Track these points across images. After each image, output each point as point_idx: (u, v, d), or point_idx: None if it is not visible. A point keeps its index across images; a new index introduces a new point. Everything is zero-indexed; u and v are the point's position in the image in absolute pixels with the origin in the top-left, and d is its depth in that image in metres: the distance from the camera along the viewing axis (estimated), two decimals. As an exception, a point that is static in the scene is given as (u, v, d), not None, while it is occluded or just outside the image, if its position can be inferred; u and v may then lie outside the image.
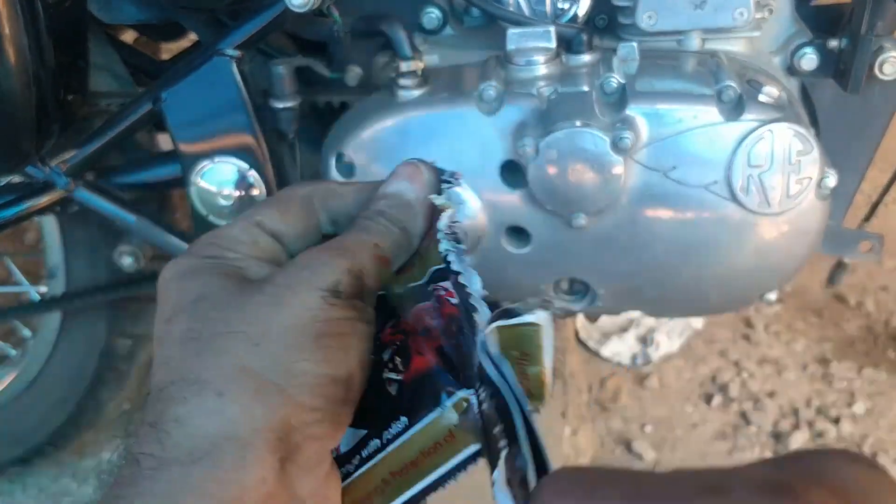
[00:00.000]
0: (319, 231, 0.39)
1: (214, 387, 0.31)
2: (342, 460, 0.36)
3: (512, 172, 0.86)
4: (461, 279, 0.35)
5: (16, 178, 1.05)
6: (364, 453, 0.36)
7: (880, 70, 0.82)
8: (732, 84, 0.80)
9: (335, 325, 0.33)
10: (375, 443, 0.35)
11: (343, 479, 0.36)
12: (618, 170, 0.82)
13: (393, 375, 0.36)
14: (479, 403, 0.33)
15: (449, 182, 0.39)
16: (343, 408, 0.34)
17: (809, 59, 0.88)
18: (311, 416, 0.32)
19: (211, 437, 0.30)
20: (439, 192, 0.39)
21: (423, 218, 0.39)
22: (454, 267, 0.35)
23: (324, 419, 0.33)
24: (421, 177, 0.39)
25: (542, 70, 0.86)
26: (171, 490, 0.29)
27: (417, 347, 0.36)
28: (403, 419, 0.35)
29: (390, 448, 0.35)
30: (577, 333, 1.64)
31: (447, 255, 0.36)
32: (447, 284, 0.36)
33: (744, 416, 1.51)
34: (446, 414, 0.33)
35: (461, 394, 0.33)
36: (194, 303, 0.34)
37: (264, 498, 0.30)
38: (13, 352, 1.43)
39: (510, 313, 0.32)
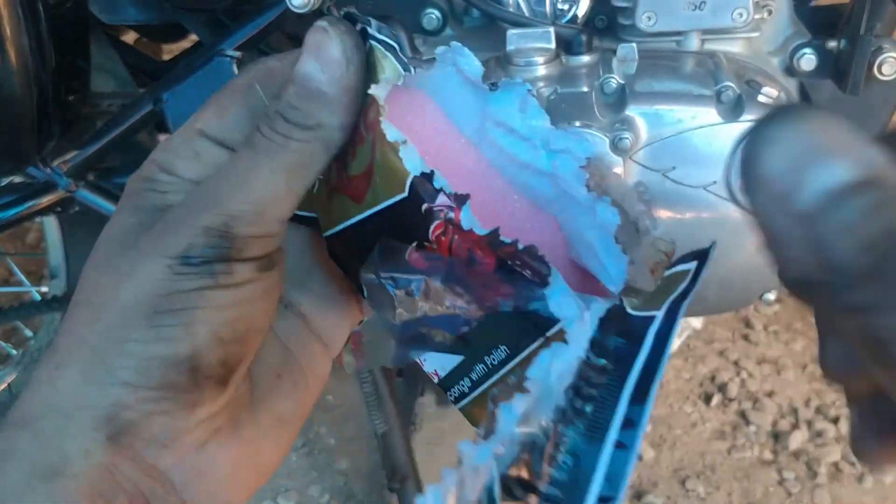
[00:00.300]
0: None
1: (57, 357, 0.31)
2: (447, 383, 0.36)
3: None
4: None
5: (17, 179, 1.05)
6: (473, 377, 0.35)
7: (879, 71, 0.83)
8: (731, 84, 0.80)
9: (176, 299, 0.30)
10: (481, 367, 0.35)
11: (457, 401, 0.36)
12: (617, 170, 0.82)
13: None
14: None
15: (374, 35, 0.32)
16: (191, 391, 0.30)
17: (808, 60, 0.88)
18: (146, 396, 0.30)
19: (43, 406, 0.30)
20: (367, 51, 0.32)
21: (344, 106, 0.31)
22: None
23: (165, 398, 0.30)
24: (332, 47, 0.31)
25: (541, 71, 0.86)
26: (2, 450, 0.30)
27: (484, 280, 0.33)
28: (503, 347, 0.34)
29: (500, 373, 0.34)
30: (576, 333, 1.64)
31: (400, 142, 0.31)
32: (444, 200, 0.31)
33: (743, 415, 1.52)
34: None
35: (559, 326, 0.32)
36: (93, 251, 0.33)
37: (97, 469, 0.29)
38: (14, 352, 1.44)
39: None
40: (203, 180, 0.32)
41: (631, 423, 0.25)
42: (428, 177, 0.31)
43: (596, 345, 0.28)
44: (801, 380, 1.56)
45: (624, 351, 0.27)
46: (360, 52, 0.31)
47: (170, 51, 1.50)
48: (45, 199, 1.00)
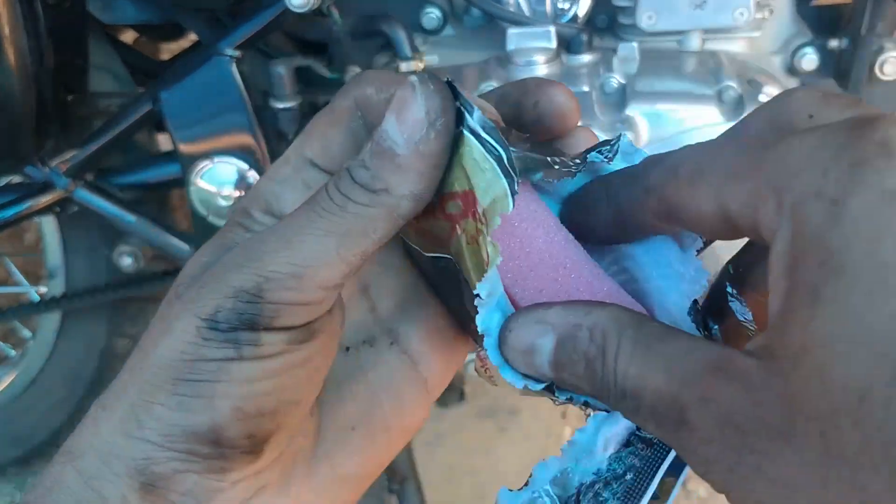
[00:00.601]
0: None
1: (106, 398, 0.30)
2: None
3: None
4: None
5: (15, 179, 1.05)
6: None
7: (881, 70, 0.83)
8: (733, 84, 0.80)
9: (199, 368, 0.28)
10: None
11: None
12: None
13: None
14: None
15: (475, 130, 0.27)
16: (221, 458, 0.28)
17: (810, 60, 0.88)
18: (172, 456, 0.28)
19: (86, 445, 0.29)
20: (459, 129, 0.27)
21: (419, 173, 0.28)
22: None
23: (191, 461, 0.28)
24: (415, 107, 0.27)
25: (542, 70, 0.85)
26: (49, 483, 0.29)
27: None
28: None
29: None
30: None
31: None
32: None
33: (744, 416, 1.51)
34: None
35: None
36: (176, 279, 0.31)
37: None
38: (13, 352, 1.43)
39: None
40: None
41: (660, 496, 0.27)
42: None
43: None
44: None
45: None
46: (447, 116, 0.28)
47: (169, 50, 1.50)
48: (44, 199, 1.00)
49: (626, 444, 0.28)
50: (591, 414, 0.30)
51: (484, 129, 0.27)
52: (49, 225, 1.22)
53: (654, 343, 0.26)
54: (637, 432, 0.28)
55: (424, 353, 0.34)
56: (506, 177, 0.26)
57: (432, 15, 0.94)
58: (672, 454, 0.28)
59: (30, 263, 1.57)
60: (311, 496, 0.32)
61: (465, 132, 0.27)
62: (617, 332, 0.26)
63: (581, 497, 0.28)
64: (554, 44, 0.85)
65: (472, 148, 0.27)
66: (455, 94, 0.27)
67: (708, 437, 0.23)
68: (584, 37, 0.86)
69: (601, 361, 0.26)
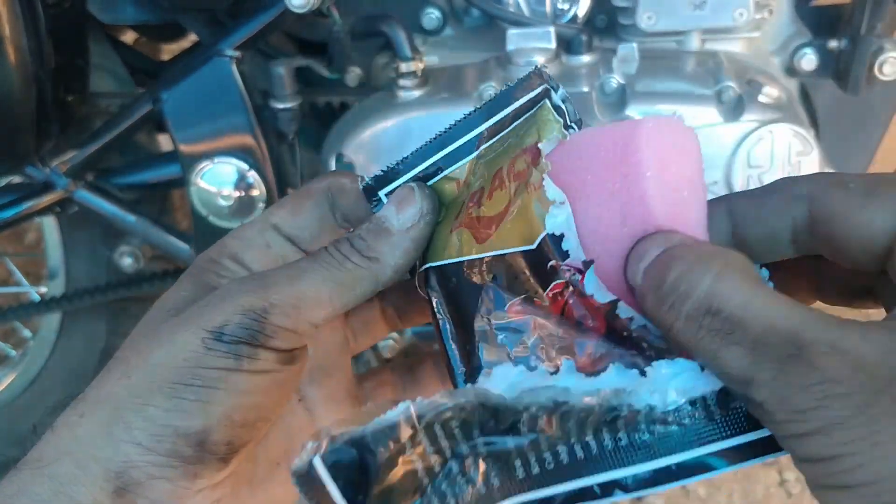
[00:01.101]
0: (335, 229, 0.39)
1: (83, 406, 0.33)
2: None
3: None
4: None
5: (15, 179, 1.05)
6: None
7: (880, 70, 0.83)
8: (732, 84, 0.80)
9: (200, 374, 0.32)
10: None
11: None
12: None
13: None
14: None
15: (555, 101, 0.35)
16: (199, 462, 0.32)
17: (809, 60, 0.88)
18: (153, 460, 0.32)
19: (59, 451, 0.32)
20: (539, 109, 0.35)
21: (404, 250, 0.36)
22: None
23: (169, 466, 0.32)
24: (413, 202, 0.36)
25: (541, 70, 0.86)
26: (16, 489, 0.31)
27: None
28: None
29: None
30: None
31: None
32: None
33: (743, 416, 1.51)
34: None
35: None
36: (145, 315, 0.36)
37: None
38: (13, 352, 1.43)
39: None
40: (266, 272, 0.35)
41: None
42: (557, 239, 0.32)
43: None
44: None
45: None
46: (434, 214, 0.37)
47: (169, 51, 1.50)
48: (44, 200, 1.00)
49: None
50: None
51: (563, 100, 0.35)
52: (49, 225, 1.23)
53: (762, 285, 0.27)
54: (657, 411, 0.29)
55: (321, 415, 0.41)
56: (567, 128, 0.34)
57: (432, 15, 0.94)
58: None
59: (30, 263, 1.58)
60: None
61: (547, 103, 0.35)
62: (724, 261, 0.28)
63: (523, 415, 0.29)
64: (554, 44, 0.85)
65: (549, 111, 0.35)
66: (546, 78, 0.36)
67: (835, 377, 0.24)
68: (584, 37, 0.86)
69: (699, 276, 0.27)
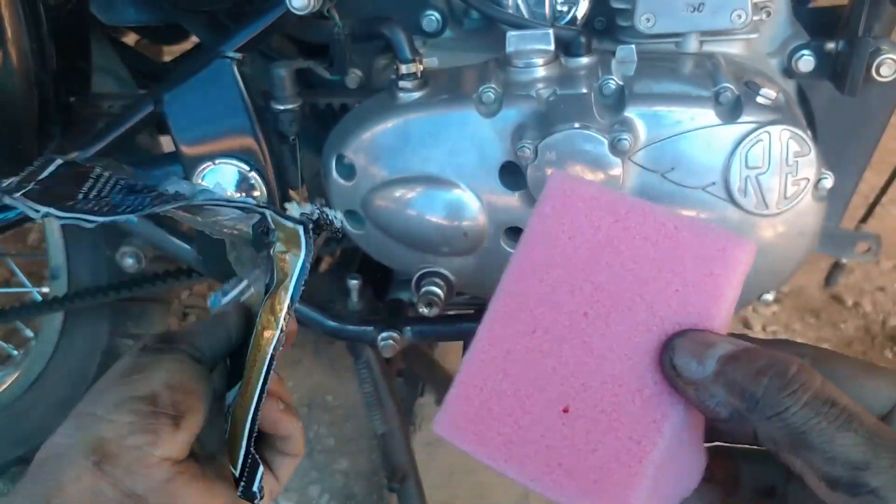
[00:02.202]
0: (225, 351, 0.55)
1: (53, 435, 0.45)
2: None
3: (511, 174, 0.86)
4: None
5: (18, 180, 1.05)
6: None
7: (877, 72, 0.83)
8: (730, 86, 0.80)
9: (140, 365, 0.48)
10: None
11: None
12: (616, 171, 0.82)
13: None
14: None
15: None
16: (155, 419, 0.45)
17: (807, 61, 0.89)
18: (123, 429, 0.44)
19: (42, 457, 0.44)
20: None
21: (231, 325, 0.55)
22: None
23: (136, 430, 0.44)
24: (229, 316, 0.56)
25: (540, 72, 0.86)
26: (8, 494, 0.42)
27: None
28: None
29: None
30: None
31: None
32: None
33: (743, 415, 1.52)
34: None
35: None
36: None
37: (86, 491, 0.41)
38: (15, 352, 1.44)
39: None
40: None
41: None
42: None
43: None
44: (801, 380, 1.56)
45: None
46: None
47: (171, 53, 1.51)
48: (46, 200, 1.00)
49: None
50: None
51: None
52: (52, 225, 1.23)
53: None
54: None
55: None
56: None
57: (432, 17, 0.95)
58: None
59: (33, 264, 1.58)
60: (214, 479, 0.48)
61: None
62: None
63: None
64: (552, 46, 0.85)
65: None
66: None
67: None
68: (583, 39, 0.87)
69: (814, 374, 0.33)
